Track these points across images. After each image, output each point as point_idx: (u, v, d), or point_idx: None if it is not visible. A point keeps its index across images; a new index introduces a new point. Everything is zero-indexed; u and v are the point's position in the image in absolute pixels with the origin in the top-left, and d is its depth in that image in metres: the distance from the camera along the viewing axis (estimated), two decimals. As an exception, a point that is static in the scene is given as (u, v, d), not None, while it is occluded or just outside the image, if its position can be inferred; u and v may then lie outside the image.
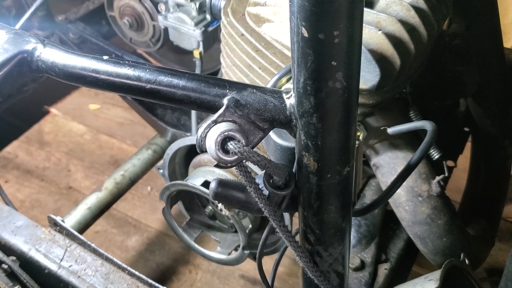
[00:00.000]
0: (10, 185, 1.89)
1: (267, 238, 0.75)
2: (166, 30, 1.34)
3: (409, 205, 0.91)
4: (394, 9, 0.76)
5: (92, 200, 1.40)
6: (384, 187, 0.94)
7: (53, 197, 1.86)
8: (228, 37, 0.92)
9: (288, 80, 0.61)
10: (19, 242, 0.97)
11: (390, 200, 0.93)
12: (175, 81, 0.52)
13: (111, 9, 1.46)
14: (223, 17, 0.93)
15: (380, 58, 0.73)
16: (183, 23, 1.28)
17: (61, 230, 1.05)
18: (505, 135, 1.14)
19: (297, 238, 0.62)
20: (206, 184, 1.13)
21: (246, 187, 0.53)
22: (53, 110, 2.19)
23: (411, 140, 0.92)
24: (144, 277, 0.97)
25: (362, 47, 0.65)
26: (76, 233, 1.04)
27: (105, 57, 0.55)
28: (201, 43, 1.29)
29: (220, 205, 0.60)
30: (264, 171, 0.54)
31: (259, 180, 0.54)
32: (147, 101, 0.55)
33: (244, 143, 0.49)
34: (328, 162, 0.53)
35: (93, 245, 1.01)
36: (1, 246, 0.97)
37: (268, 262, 1.02)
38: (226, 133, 0.48)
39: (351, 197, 0.59)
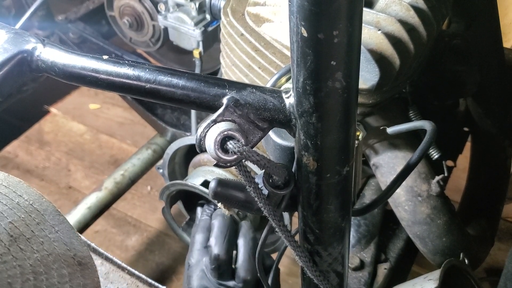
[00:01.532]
0: (10, 185, 1.89)
1: (267, 237, 0.75)
2: (166, 30, 1.35)
3: (409, 204, 0.91)
4: (393, 9, 0.77)
5: (92, 200, 1.40)
6: (383, 187, 0.95)
7: (53, 197, 1.86)
8: (227, 37, 0.92)
9: (287, 80, 0.61)
10: (19, 242, 0.97)
11: (389, 200, 0.93)
12: (175, 80, 0.52)
13: (111, 9, 1.46)
14: (222, 17, 0.93)
15: (379, 58, 0.73)
16: (183, 23, 1.28)
17: (61, 229, 1.05)
18: (505, 135, 1.14)
19: (297, 237, 0.62)
20: (205, 183, 1.13)
21: (245, 187, 0.53)
22: (53, 109, 2.19)
23: (410, 140, 0.92)
24: (143, 276, 0.97)
25: (362, 47, 0.65)
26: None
27: (105, 57, 0.55)
28: (200, 43, 1.29)
29: (219, 205, 0.60)
30: (263, 170, 0.54)
31: (259, 180, 0.54)
32: (147, 100, 0.55)
33: (243, 143, 0.49)
34: (327, 162, 0.53)
35: (93, 244, 1.02)
36: (1, 245, 0.97)
37: (267, 261, 1.02)
38: (225, 133, 0.48)
39: (351, 197, 0.59)
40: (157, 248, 1.70)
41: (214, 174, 1.15)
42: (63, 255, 0.53)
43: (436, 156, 0.96)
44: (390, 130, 0.76)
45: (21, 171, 1.95)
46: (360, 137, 0.60)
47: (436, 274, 0.82)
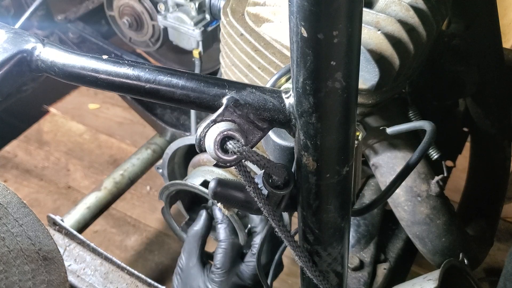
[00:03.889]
0: (9, 185, 1.88)
1: (266, 238, 0.75)
2: (165, 29, 1.35)
3: (408, 205, 0.91)
4: (393, 9, 0.77)
5: (91, 200, 1.40)
6: (383, 187, 0.95)
7: (52, 197, 1.86)
8: (227, 37, 0.92)
9: (287, 80, 0.61)
10: (18, 242, 0.96)
11: (389, 200, 0.93)
12: (175, 80, 0.52)
13: (110, 8, 1.46)
14: (222, 17, 0.93)
15: (379, 58, 0.73)
16: (183, 22, 1.28)
17: (60, 229, 1.05)
18: (504, 136, 1.14)
19: (296, 238, 0.62)
20: (205, 183, 1.13)
21: (245, 187, 0.53)
22: (52, 109, 2.19)
23: (410, 140, 0.92)
24: (143, 276, 0.97)
25: (361, 47, 0.65)
26: (75, 232, 1.04)
27: (105, 57, 0.55)
28: (200, 43, 1.29)
29: (219, 205, 0.60)
30: (263, 170, 0.54)
31: (258, 180, 0.54)
32: (146, 100, 0.55)
33: (243, 143, 0.49)
34: (327, 162, 0.53)
35: (92, 244, 1.02)
36: (0, 245, 0.97)
37: (267, 261, 1.02)
38: (225, 133, 0.48)
39: (350, 197, 0.59)
40: (157, 248, 1.70)
41: (213, 174, 1.15)
42: (26, 251, 0.51)
43: (436, 156, 0.96)
44: (389, 130, 0.76)
45: (20, 171, 1.95)
46: (359, 137, 0.60)
47: (435, 274, 0.82)
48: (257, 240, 1.03)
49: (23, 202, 0.55)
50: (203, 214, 1.11)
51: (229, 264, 1.01)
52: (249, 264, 1.01)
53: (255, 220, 1.06)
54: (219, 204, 0.60)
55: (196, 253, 1.05)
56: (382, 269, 1.06)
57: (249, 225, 1.10)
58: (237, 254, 1.05)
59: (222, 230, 1.05)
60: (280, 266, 1.08)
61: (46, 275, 0.51)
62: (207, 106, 0.52)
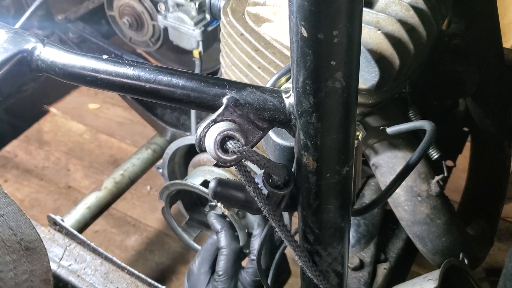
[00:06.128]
0: (9, 185, 1.89)
1: (266, 237, 0.75)
2: (165, 29, 1.35)
3: (408, 204, 0.91)
4: (393, 9, 0.77)
5: (91, 200, 1.40)
6: (383, 187, 0.95)
7: (53, 197, 1.86)
8: (227, 37, 0.92)
9: (287, 80, 0.61)
10: (18, 241, 0.96)
11: (389, 200, 0.93)
12: (175, 80, 0.52)
13: (110, 8, 1.46)
14: (222, 16, 0.93)
15: (379, 58, 0.73)
16: (183, 22, 1.28)
17: (61, 229, 1.05)
18: (504, 135, 1.14)
19: (296, 237, 0.62)
20: (205, 183, 1.13)
21: (245, 187, 0.53)
22: (52, 109, 2.19)
23: (410, 140, 0.92)
24: (143, 276, 0.97)
25: (362, 46, 0.65)
26: (75, 232, 1.04)
27: (105, 57, 0.55)
28: (200, 43, 1.29)
29: (219, 205, 0.60)
30: (263, 170, 0.54)
31: (259, 180, 0.54)
32: (146, 100, 0.55)
33: (243, 143, 0.49)
34: (327, 162, 0.53)
35: (92, 244, 1.02)
36: (0, 245, 0.96)
37: (267, 261, 1.02)
38: (225, 133, 0.48)
39: (350, 197, 0.59)
40: (157, 248, 1.70)
41: (213, 174, 1.15)
42: (7, 241, 0.50)
43: (436, 156, 0.96)
44: (390, 130, 0.76)
45: (21, 170, 1.95)
46: (360, 137, 0.60)
47: (435, 274, 0.82)
48: (255, 245, 1.03)
49: (4, 192, 0.54)
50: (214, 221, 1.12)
51: (231, 270, 1.02)
52: (248, 271, 1.02)
53: (254, 224, 1.06)
54: (219, 204, 0.60)
55: (209, 260, 1.07)
56: (382, 269, 1.06)
57: (246, 230, 1.10)
58: (239, 259, 1.06)
59: (222, 238, 1.06)
60: (286, 273, 1.09)
61: (28, 265, 0.51)
62: (207, 106, 0.52)
